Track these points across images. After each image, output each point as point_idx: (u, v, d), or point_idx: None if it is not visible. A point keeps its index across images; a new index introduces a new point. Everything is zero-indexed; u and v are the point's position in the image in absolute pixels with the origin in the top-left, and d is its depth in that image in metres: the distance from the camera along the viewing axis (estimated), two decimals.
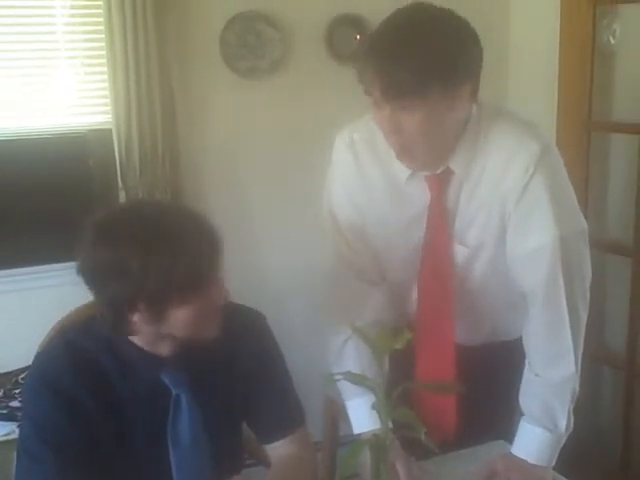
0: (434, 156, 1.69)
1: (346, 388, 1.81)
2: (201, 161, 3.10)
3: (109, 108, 2.86)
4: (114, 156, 2.88)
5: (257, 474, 1.73)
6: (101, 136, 2.95)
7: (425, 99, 1.54)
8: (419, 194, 1.76)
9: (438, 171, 1.72)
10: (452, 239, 1.78)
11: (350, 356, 1.78)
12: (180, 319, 1.45)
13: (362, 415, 1.75)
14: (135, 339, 1.52)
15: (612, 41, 3.17)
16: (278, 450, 1.69)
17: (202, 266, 1.43)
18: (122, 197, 2.89)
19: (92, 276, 1.44)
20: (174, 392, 1.56)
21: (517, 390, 1.80)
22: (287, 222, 3.24)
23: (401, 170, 1.74)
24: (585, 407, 2.91)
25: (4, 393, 2.64)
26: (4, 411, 2.53)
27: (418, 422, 1.22)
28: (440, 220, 1.77)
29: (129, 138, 2.85)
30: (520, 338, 1.81)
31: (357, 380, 1.26)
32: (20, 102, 2.86)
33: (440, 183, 1.74)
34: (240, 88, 3.11)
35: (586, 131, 3.13)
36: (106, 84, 2.84)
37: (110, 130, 2.87)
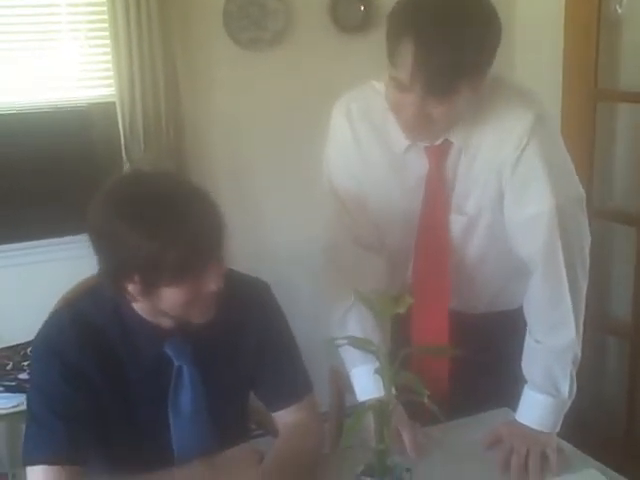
0: (445, 132, 1.69)
1: (349, 356, 1.82)
2: (205, 133, 3.10)
3: (112, 81, 2.86)
4: (118, 129, 2.88)
5: (265, 444, 1.74)
6: (105, 109, 2.95)
7: (457, 88, 1.54)
8: (417, 164, 1.76)
9: (438, 142, 1.72)
10: (449, 209, 1.79)
11: (352, 324, 1.78)
12: (170, 298, 1.45)
13: (365, 382, 1.75)
14: (139, 310, 1.53)
15: (619, 10, 3.14)
16: (285, 418, 1.70)
17: (196, 251, 1.40)
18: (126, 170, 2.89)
19: (94, 238, 1.45)
20: (176, 363, 1.57)
21: (520, 358, 1.80)
22: (290, 193, 3.24)
23: (399, 141, 1.74)
24: (590, 376, 2.93)
25: (13, 365, 2.67)
26: (13, 383, 2.56)
27: (421, 386, 1.23)
28: (438, 190, 1.77)
29: (133, 111, 2.85)
30: (522, 306, 1.82)
31: (360, 344, 1.27)
32: (23, 76, 2.86)
33: (439, 154, 1.74)
34: (243, 60, 3.10)
35: (592, 100, 3.11)
36: (109, 57, 2.84)
37: (114, 103, 2.87)
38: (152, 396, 1.57)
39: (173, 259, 1.38)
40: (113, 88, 2.86)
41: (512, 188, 1.71)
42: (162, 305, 1.48)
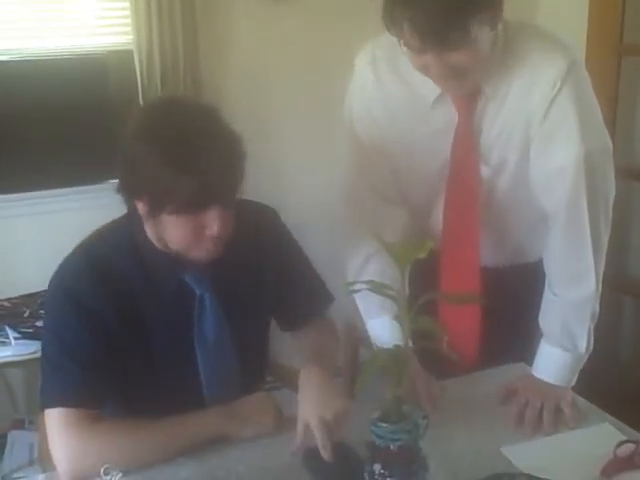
0: (479, 78, 1.66)
1: (366, 306, 1.82)
2: (223, 83, 3.08)
3: (130, 29, 2.83)
4: (136, 78, 2.86)
5: (282, 396, 1.75)
6: (122, 57, 2.94)
7: (468, 32, 1.50)
8: (445, 114, 1.73)
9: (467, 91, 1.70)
10: (479, 158, 1.76)
11: (371, 272, 1.78)
12: (169, 228, 1.47)
13: (384, 332, 1.75)
14: (155, 242, 1.53)
15: None
16: (303, 340, 1.76)
17: (201, 188, 1.40)
18: None
19: (118, 154, 1.47)
20: (198, 292, 1.58)
21: (537, 313, 1.79)
22: (310, 145, 3.22)
23: (428, 91, 1.71)
24: (606, 336, 2.91)
25: (30, 313, 2.70)
26: (30, 330, 2.58)
27: (440, 330, 1.22)
28: (468, 140, 1.75)
29: (150, 59, 2.83)
30: (541, 260, 1.81)
31: (379, 289, 1.25)
32: (41, 22, 2.84)
33: (469, 103, 1.71)
34: (263, 8, 3.07)
35: (617, 55, 3.06)
36: (127, 4, 2.81)
37: (131, 51, 2.85)
38: (174, 329, 1.58)
39: (179, 190, 1.39)
40: (131, 36, 2.84)
41: (542, 133, 1.68)
42: (164, 234, 1.49)
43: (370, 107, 1.79)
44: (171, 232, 1.48)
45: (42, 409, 1.50)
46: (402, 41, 1.55)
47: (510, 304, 1.84)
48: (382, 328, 1.76)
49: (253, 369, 1.66)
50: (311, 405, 1.50)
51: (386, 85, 1.77)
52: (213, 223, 1.45)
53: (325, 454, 1.43)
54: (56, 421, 1.47)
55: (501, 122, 1.71)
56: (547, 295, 1.77)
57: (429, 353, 1.39)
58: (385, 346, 1.68)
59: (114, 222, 1.61)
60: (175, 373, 1.58)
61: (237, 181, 1.48)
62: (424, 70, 1.61)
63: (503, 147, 1.74)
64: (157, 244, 1.54)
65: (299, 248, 1.78)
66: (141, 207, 1.46)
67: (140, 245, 1.54)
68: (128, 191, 1.48)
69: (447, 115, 1.73)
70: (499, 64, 1.66)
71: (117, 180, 1.50)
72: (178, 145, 1.39)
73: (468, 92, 1.69)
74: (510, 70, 1.67)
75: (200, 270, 1.56)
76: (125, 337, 1.53)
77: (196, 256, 1.52)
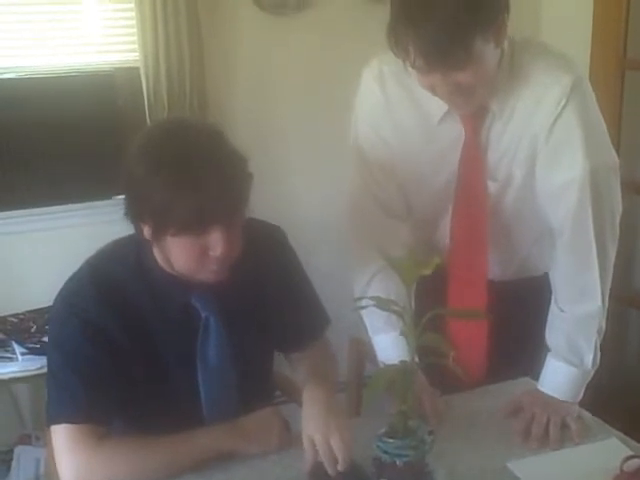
0: (486, 96, 1.67)
1: (373, 322, 1.83)
2: (229, 99, 3.09)
3: (136, 46, 2.85)
4: (142, 94, 2.87)
5: (288, 411, 1.75)
6: (129, 74, 2.95)
7: (472, 51, 1.50)
8: (451, 131, 1.74)
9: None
10: (486, 174, 1.77)
11: (377, 288, 1.78)
12: (174, 250, 1.47)
13: (389, 348, 1.76)
14: (162, 263, 1.53)
15: None
16: (301, 361, 1.76)
17: (201, 211, 1.40)
18: None
19: (122, 176, 1.47)
20: (203, 315, 1.58)
21: (543, 327, 1.79)
22: (315, 161, 3.23)
23: (436, 108, 1.72)
24: (612, 349, 2.91)
25: (37, 329, 2.70)
26: (37, 345, 2.58)
27: (446, 345, 1.23)
28: (474, 156, 1.76)
29: (157, 76, 2.84)
30: (547, 274, 1.81)
31: (385, 305, 1.26)
32: (47, 40, 2.86)
33: (475, 120, 1.72)
34: (268, 25, 3.08)
35: (620, 69, 3.06)
36: (134, 22, 2.82)
37: (138, 68, 2.87)
38: (178, 348, 1.58)
39: (178, 210, 1.39)
40: (137, 53, 2.85)
41: (547, 152, 1.69)
42: (170, 256, 1.49)
43: (377, 124, 1.80)
44: (176, 254, 1.48)
45: (48, 425, 1.50)
46: (407, 62, 1.55)
47: (516, 318, 1.85)
48: (388, 344, 1.77)
49: (256, 391, 1.65)
50: (315, 422, 1.50)
51: (393, 102, 1.77)
52: (217, 244, 1.45)
53: (331, 470, 1.44)
54: (62, 437, 1.47)
55: (508, 139, 1.72)
56: (553, 310, 1.77)
57: (435, 368, 1.39)
58: (390, 362, 1.70)
59: (122, 240, 1.61)
60: (176, 392, 1.59)
61: (240, 202, 1.47)
62: (431, 89, 1.62)
63: (509, 163, 1.75)
64: (164, 266, 1.53)
65: (303, 270, 1.78)
66: (146, 230, 1.47)
67: (147, 266, 1.54)
68: (133, 214, 1.49)
69: (454, 132, 1.74)
70: (505, 81, 1.67)
71: (124, 205, 1.50)
72: (178, 167, 1.39)
73: (475, 109, 1.70)
74: (516, 87, 1.68)
75: (206, 291, 1.56)
76: (130, 354, 1.53)
77: (202, 278, 1.52)
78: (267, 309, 1.67)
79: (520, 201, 1.79)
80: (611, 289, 1.75)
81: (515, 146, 1.72)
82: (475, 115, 1.72)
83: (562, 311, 1.74)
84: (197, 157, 1.41)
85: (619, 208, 1.74)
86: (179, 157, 1.40)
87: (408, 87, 1.73)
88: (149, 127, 1.53)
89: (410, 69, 1.58)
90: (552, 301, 1.77)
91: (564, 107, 1.64)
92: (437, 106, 1.71)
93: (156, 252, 1.53)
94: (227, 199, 1.43)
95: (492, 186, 1.78)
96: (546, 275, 1.82)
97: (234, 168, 1.45)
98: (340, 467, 1.43)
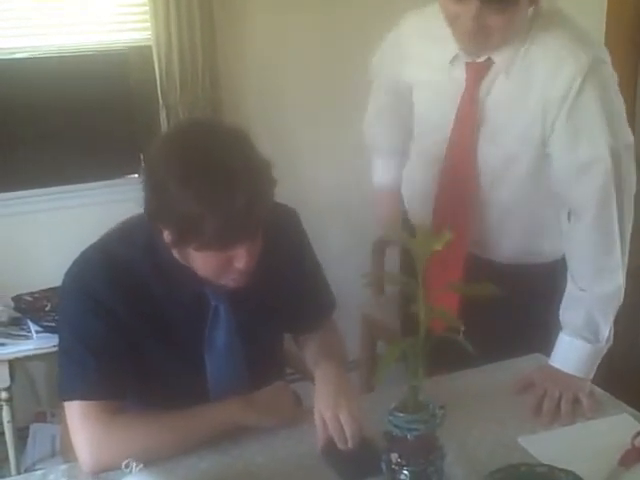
0: (500, 46, 1.70)
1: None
2: (241, 78, 3.09)
3: (149, 25, 2.84)
4: (154, 73, 2.88)
5: (301, 388, 1.77)
6: (141, 53, 2.95)
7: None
8: (455, 80, 1.79)
9: (480, 59, 1.74)
10: (477, 135, 1.79)
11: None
12: (197, 262, 1.46)
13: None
14: (176, 256, 1.50)
15: None
16: (309, 343, 1.76)
17: (231, 229, 1.37)
18: (163, 115, 2.90)
19: (145, 177, 1.43)
20: (213, 303, 1.58)
21: (552, 309, 1.79)
22: (329, 140, 3.22)
23: (446, 51, 1.77)
24: (626, 325, 2.90)
25: (51, 307, 2.71)
26: (51, 324, 2.60)
27: (456, 320, 1.23)
28: (469, 112, 1.78)
29: (169, 55, 2.84)
30: (556, 261, 1.83)
31: (396, 281, 1.26)
32: (60, 19, 2.86)
33: (478, 71, 1.75)
34: (280, 5, 3.06)
35: (636, 49, 3.04)
36: (146, 0, 2.82)
37: (150, 47, 2.86)
38: (188, 333, 1.58)
39: (204, 229, 1.36)
40: (150, 32, 2.85)
41: (565, 130, 1.69)
42: (191, 263, 1.48)
43: (401, 44, 1.93)
44: (197, 264, 1.47)
45: (62, 401, 1.52)
46: None
47: (523, 301, 1.85)
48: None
49: (266, 372, 1.65)
50: (326, 399, 1.51)
51: (410, 43, 1.90)
52: (241, 258, 1.44)
53: (342, 445, 1.45)
54: (77, 413, 1.49)
55: (519, 105, 1.73)
56: (571, 290, 1.77)
57: (443, 342, 1.39)
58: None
59: (134, 220, 1.58)
60: (185, 373, 1.59)
61: (265, 213, 1.43)
62: (454, 20, 1.65)
63: (520, 134, 1.76)
64: (178, 258, 1.51)
65: (313, 253, 1.77)
66: (166, 236, 1.43)
67: (159, 251, 1.50)
68: (153, 217, 1.44)
69: (457, 81, 1.78)
70: (519, 41, 1.69)
71: (143, 203, 1.45)
72: (206, 180, 1.35)
73: (480, 56, 1.74)
74: (531, 53, 1.70)
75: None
76: (140, 332, 1.53)
77: (223, 284, 1.51)
78: (278, 292, 1.66)
79: (529, 177, 1.80)
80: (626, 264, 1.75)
81: (526, 117, 1.73)
82: (479, 66, 1.75)
83: (582, 290, 1.74)
84: (225, 170, 1.36)
85: (634, 187, 1.75)
86: (207, 169, 1.36)
87: (425, 31, 1.84)
88: (173, 130, 1.47)
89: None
90: (569, 281, 1.77)
91: (581, 86, 1.64)
92: (450, 49, 1.75)
93: (174, 252, 1.50)
94: (254, 215, 1.40)
95: (495, 152, 1.79)
96: (555, 261, 1.84)
97: (262, 182, 1.41)
98: (350, 443, 1.45)
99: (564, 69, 1.65)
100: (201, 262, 1.46)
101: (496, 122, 1.77)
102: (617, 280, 1.73)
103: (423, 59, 1.87)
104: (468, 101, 1.78)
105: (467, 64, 1.75)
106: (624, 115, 1.73)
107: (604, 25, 3.09)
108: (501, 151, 1.79)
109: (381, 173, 2.19)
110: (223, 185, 1.35)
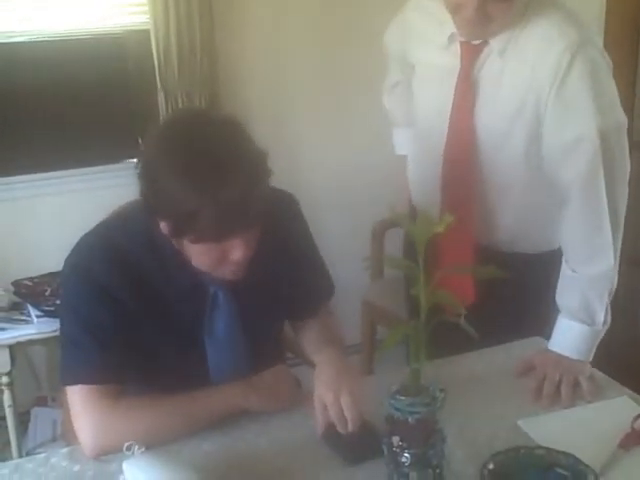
0: (499, 31, 1.72)
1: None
2: (238, 62, 3.08)
3: (147, 8, 2.83)
4: (152, 57, 2.87)
5: (300, 373, 1.77)
6: (139, 37, 2.94)
7: None
8: (451, 58, 1.81)
9: (476, 42, 1.77)
10: (474, 109, 1.81)
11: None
12: (192, 252, 1.46)
13: (402, 139, 2.24)
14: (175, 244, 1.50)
15: None
16: (307, 328, 1.76)
17: (227, 221, 1.37)
18: (161, 99, 2.89)
19: (141, 167, 1.43)
20: (212, 290, 1.58)
21: (550, 296, 1.80)
22: (329, 124, 3.21)
23: (444, 30, 1.80)
24: (623, 309, 2.91)
25: (51, 292, 2.72)
26: (52, 308, 2.61)
27: (458, 303, 1.23)
28: (466, 92, 1.80)
29: (167, 39, 2.84)
30: (557, 249, 1.83)
31: (398, 264, 1.26)
32: (58, 3, 2.84)
33: (472, 51, 1.78)
34: None
35: (636, 31, 3.03)
36: None
37: (148, 31, 2.85)
38: (188, 319, 1.59)
39: (200, 222, 1.36)
40: (147, 15, 2.84)
41: (554, 110, 1.69)
42: (187, 253, 1.48)
43: (405, 24, 2.01)
44: (194, 255, 1.47)
45: (63, 385, 1.52)
46: None
47: (521, 288, 1.85)
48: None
49: (266, 357, 1.65)
50: (326, 383, 1.51)
51: (413, 21, 1.97)
52: (238, 250, 1.44)
53: (342, 428, 1.45)
54: (78, 398, 1.49)
55: (512, 83, 1.75)
56: (565, 271, 1.77)
57: (445, 325, 1.40)
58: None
59: (132, 205, 1.58)
60: (184, 359, 1.59)
61: (260, 205, 1.42)
62: (455, 9, 1.68)
63: (514, 113, 1.76)
64: (176, 246, 1.50)
65: (312, 238, 1.77)
66: (163, 226, 1.43)
67: (158, 239, 1.50)
68: (150, 209, 1.45)
69: (453, 61, 1.81)
70: (513, 22, 1.71)
71: (140, 194, 1.45)
72: (201, 171, 1.35)
73: (479, 40, 1.76)
74: (523, 33, 1.72)
75: None
76: (140, 318, 1.53)
77: (219, 276, 1.51)
78: (277, 278, 1.66)
79: (521, 159, 1.80)
80: (623, 250, 1.75)
81: (519, 96, 1.74)
82: (474, 47, 1.77)
83: (574, 272, 1.75)
84: (220, 162, 1.36)
85: (628, 168, 1.74)
86: (202, 161, 1.36)
87: (426, 10, 1.89)
88: (168, 121, 1.47)
89: None
90: (563, 262, 1.78)
91: (570, 64, 1.65)
92: (448, 27, 1.78)
93: (172, 240, 1.49)
94: (249, 206, 1.40)
95: (492, 128, 1.80)
96: (551, 251, 1.85)
97: (257, 173, 1.41)
98: (350, 427, 1.45)
99: (554, 47, 1.67)
100: (196, 254, 1.46)
101: (490, 98, 1.79)
102: (608, 261, 1.72)
103: (424, 38, 1.90)
104: (464, 79, 1.80)
105: (462, 43, 1.78)
106: (616, 96, 1.72)
107: (604, 5, 3.08)
108: (497, 127, 1.79)
109: (401, 140, 2.31)
110: (217, 177, 1.35)
